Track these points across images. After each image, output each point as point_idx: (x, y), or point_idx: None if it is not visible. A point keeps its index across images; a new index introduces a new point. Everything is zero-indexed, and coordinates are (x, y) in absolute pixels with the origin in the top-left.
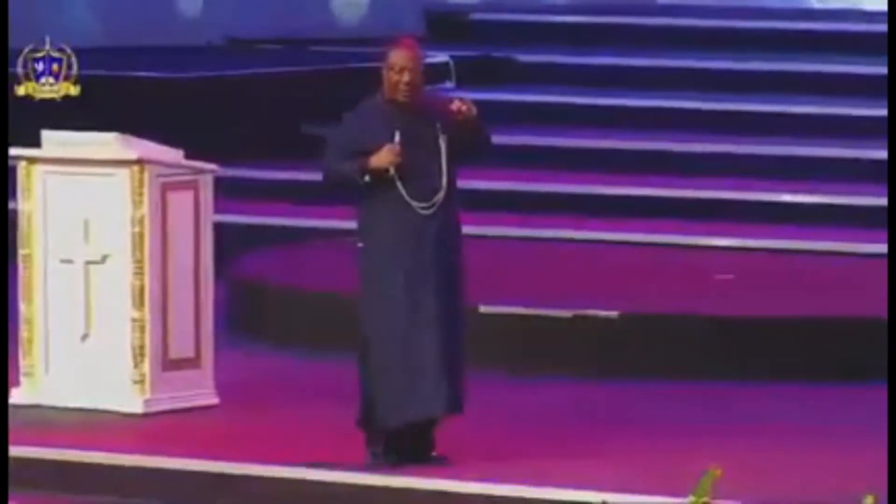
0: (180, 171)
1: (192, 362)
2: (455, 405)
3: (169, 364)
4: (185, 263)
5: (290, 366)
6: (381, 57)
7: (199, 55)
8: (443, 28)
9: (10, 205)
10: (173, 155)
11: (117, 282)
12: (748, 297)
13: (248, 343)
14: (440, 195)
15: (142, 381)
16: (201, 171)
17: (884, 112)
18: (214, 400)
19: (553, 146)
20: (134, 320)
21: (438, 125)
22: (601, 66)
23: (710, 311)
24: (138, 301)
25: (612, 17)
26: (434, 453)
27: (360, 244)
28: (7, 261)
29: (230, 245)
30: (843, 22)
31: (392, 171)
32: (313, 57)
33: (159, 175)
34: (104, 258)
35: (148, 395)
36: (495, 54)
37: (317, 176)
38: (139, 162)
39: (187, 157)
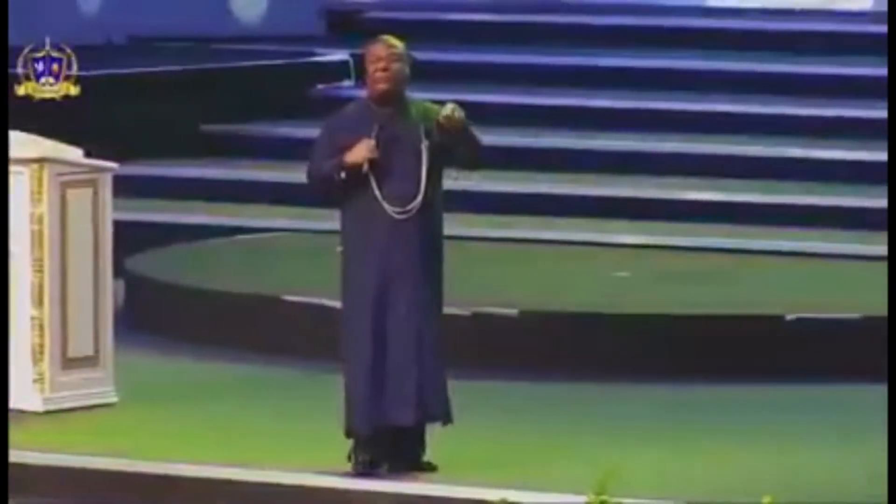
0: (80, 169)
1: (92, 360)
2: (430, 413)
3: (68, 362)
4: (85, 261)
5: (189, 364)
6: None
7: (100, 53)
8: (342, 26)
9: None
10: (73, 153)
11: (17, 280)
12: (647, 295)
13: (147, 341)
14: (417, 201)
15: (41, 380)
16: (101, 170)
17: (794, 110)
18: (114, 398)
19: None
20: (33, 318)
21: (422, 129)
22: (499, 64)
23: (609, 309)
24: (37, 299)
25: (511, 15)
26: (425, 459)
27: (339, 248)
28: (7, 261)
29: (129, 243)
30: (746, 20)
31: (366, 167)
32: (214, 55)
33: (59, 173)
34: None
35: (48, 394)
36: None
37: (216, 173)
38: (39, 160)
39: (87, 155)
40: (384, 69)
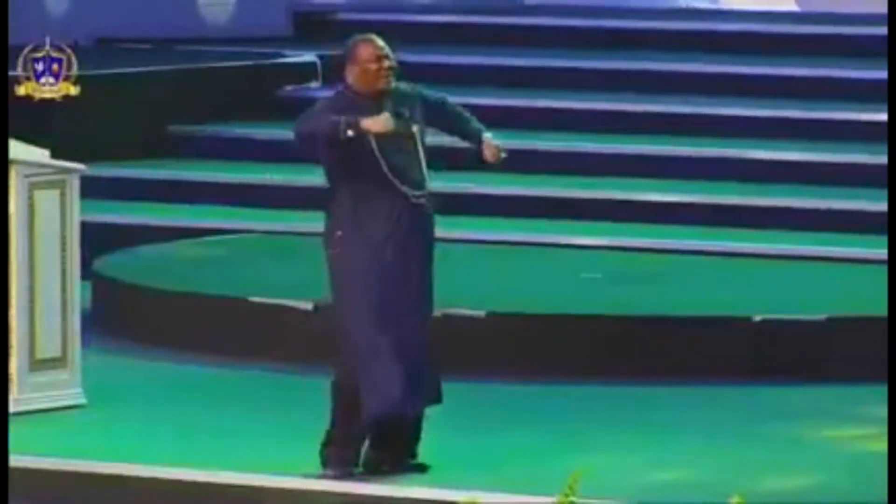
0: (47, 170)
1: (60, 362)
2: (430, 398)
3: (36, 364)
4: (52, 263)
5: (156, 366)
6: (346, 59)
7: None
8: (309, 28)
9: None
10: (40, 154)
11: None
12: (615, 296)
13: (114, 343)
14: (428, 184)
15: (10, 381)
16: (68, 171)
17: (756, 111)
18: (82, 400)
19: None
20: None
21: (407, 112)
22: (466, 66)
23: (577, 310)
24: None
25: (478, 17)
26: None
27: (338, 232)
28: (7, 261)
29: (97, 244)
30: (705, 21)
31: (373, 142)
32: (182, 56)
33: (26, 175)
34: None
35: (15, 395)
36: None
37: (184, 174)
38: (6, 161)
39: (54, 156)
40: (389, 68)
